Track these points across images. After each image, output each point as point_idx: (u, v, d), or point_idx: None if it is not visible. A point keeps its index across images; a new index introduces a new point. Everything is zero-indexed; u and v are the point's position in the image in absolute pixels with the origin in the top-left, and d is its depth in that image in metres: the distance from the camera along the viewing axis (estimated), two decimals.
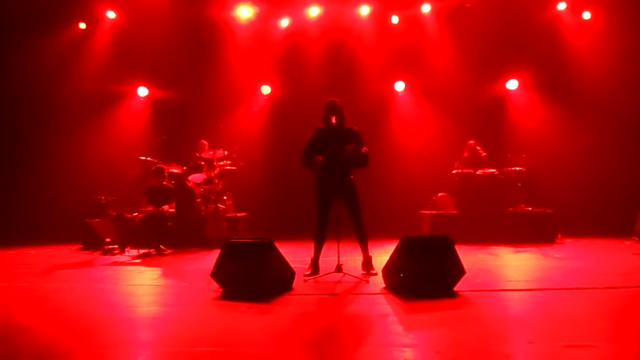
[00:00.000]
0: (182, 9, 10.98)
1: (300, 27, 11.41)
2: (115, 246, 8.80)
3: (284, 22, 11.44)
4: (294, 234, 9.74)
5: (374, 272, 6.20)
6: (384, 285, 5.61)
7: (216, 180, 9.82)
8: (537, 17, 10.71)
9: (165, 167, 8.93)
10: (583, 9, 10.64)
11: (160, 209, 8.48)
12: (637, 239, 8.86)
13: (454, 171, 9.81)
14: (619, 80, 9.91)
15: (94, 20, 11.40)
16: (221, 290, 5.33)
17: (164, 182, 8.83)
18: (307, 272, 6.14)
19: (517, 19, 10.55)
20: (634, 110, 9.83)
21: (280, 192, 11.13)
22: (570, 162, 10.17)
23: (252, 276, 5.13)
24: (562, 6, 10.70)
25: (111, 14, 11.37)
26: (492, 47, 10.58)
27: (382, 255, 5.85)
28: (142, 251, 8.45)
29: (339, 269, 6.03)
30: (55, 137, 10.97)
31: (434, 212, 9.83)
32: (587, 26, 10.62)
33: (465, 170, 9.71)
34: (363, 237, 6.37)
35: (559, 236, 9.30)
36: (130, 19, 11.31)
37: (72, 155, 10.87)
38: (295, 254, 7.16)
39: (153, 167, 8.84)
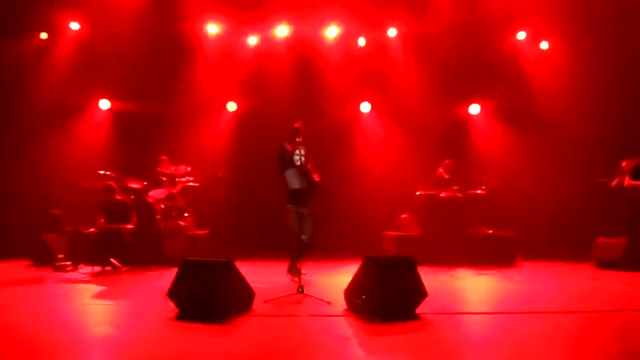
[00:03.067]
0: (148, 22, 10.80)
1: (268, 46, 11.40)
2: (68, 262, 8.44)
3: (252, 40, 11.41)
4: (256, 253, 9.61)
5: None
6: (345, 307, 5.52)
7: (178, 197, 9.60)
8: (499, 45, 11.01)
9: (114, 184, 8.63)
10: (541, 39, 10.99)
11: (117, 224, 8.19)
12: (594, 262, 9.07)
13: (418, 193, 9.87)
14: (577, 107, 10.22)
15: (56, 31, 11.09)
16: (177, 310, 5.14)
17: (120, 197, 8.54)
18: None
19: (480, 47, 10.81)
20: (591, 137, 10.14)
21: (243, 210, 10.97)
22: (530, 186, 10.38)
23: (210, 296, 4.96)
24: (521, 36, 11.03)
25: (75, 25, 11.09)
26: (456, 72, 10.79)
27: (344, 275, 5.77)
28: (96, 268, 8.13)
29: (300, 289, 5.93)
30: (10, 149, 10.54)
31: (397, 233, 9.84)
32: (545, 55, 10.97)
33: (429, 192, 9.79)
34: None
35: (519, 259, 9.43)
36: (94, 30, 11.05)
37: (28, 167, 10.44)
38: (256, 273, 7.01)
39: (103, 184, 8.55)
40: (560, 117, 10.30)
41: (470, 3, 10.55)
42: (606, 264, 8.78)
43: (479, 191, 9.80)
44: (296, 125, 6.81)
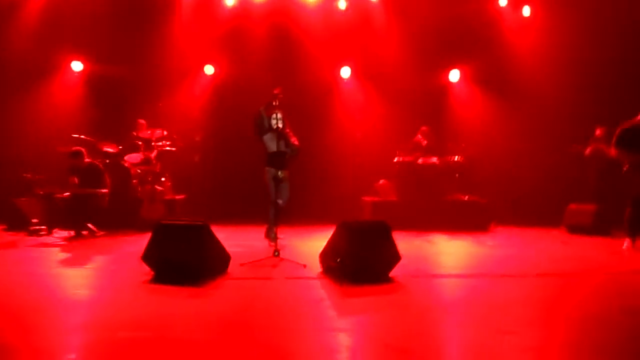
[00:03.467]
0: None
1: (246, 7, 11.13)
2: (43, 227, 8.34)
3: (230, 1, 11.13)
4: (234, 217, 9.61)
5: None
6: (320, 269, 5.59)
7: (154, 161, 9.48)
8: (480, 11, 10.91)
9: (82, 149, 8.44)
10: (523, 5, 10.92)
11: (91, 188, 8.07)
12: (565, 228, 9.29)
13: (396, 159, 9.92)
14: (556, 76, 10.25)
15: None
16: (152, 273, 5.15)
17: (90, 161, 8.38)
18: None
19: (461, 13, 10.69)
20: (569, 105, 10.22)
21: (221, 175, 10.91)
22: (506, 153, 10.49)
23: (184, 259, 4.97)
24: (503, 2, 10.95)
25: None
26: (437, 38, 10.70)
27: (321, 240, 5.82)
28: (71, 233, 8.05)
29: (276, 253, 5.98)
30: None
31: (374, 199, 9.92)
32: (527, 22, 10.93)
33: (407, 159, 9.84)
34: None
35: (493, 224, 9.61)
36: None
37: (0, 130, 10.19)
38: (233, 238, 7.04)
39: (71, 150, 8.37)
40: (538, 84, 10.35)
41: None
42: (577, 229, 9.01)
43: (456, 158, 9.88)
44: (275, 91, 6.73)
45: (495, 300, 4.64)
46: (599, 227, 8.77)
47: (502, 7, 11.03)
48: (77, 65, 10.98)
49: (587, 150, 9.45)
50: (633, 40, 10.11)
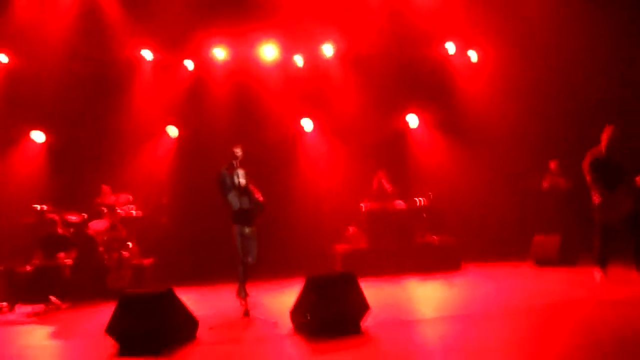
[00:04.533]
0: (79, 50, 10.60)
1: (206, 69, 11.38)
2: (4, 303, 8.05)
3: (189, 65, 11.37)
4: (205, 278, 9.48)
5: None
6: (292, 326, 5.53)
7: (119, 227, 9.35)
8: (430, 58, 11.40)
9: (57, 217, 8.37)
10: (469, 49, 11.44)
11: (55, 259, 7.90)
12: (532, 261, 9.44)
13: (362, 206, 10.03)
14: (508, 115, 10.68)
15: None
16: (117, 346, 5.01)
17: (59, 231, 8.27)
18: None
19: (412, 60, 11.17)
20: (523, 141, 10.62)
21: (189, 235, 10.79)
22: (469, 192, 10.71)
23: (150, 329, 4.86)
24: (450, 47, 11.44)
25: (3, 58, 10.72)
26: (392, 86, 11.08)
27: (292, 295, 5.78)
28: (34, 308, 7.78)
29: (246, 313, 5.91)
30: None
31: (345, 247, 9.95)
32: (475, 66, 11.44)
33: (374, 205, 9.96)
34: None
35: (464, 263, 9.70)
36: (24, 61, 10.71)
37: None
38: (204, 300, 6.95)
39: (45, 218, 8.26)
40: (491, 124, 10.75)
41: (399, 19, 10.89)
42: (544, 262, 9.16)
43: (421, 200, 10.05)
44: (234, 149, 6.85)
45: (472, 344, 4.63)
46: (565, 257, 8.94)
47: (449, 52, 11.50)
48: (38, 136, 10.92)
49: (544, 183, 9.75)
50: (578, 74, 10.61)
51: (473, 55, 11.41)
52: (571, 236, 9.10)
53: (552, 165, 9.73)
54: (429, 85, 11.20)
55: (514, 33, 10.82)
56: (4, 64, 10.76)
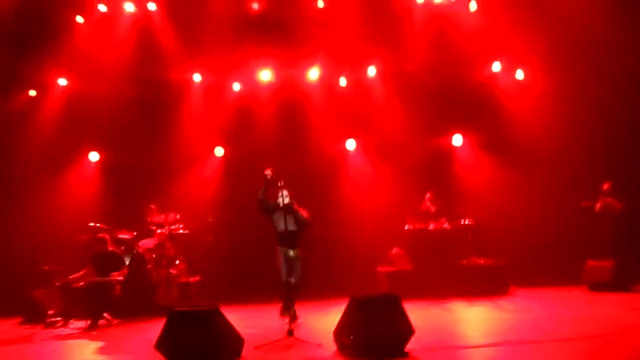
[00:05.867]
0: (133, 72, 11.08)
1: (252, 90, 11.65)
2: (59, 318, 8.38)
3: (236, 86, 11.68)
4: (249, 297, 9.57)
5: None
6: (335, 348, 5.52)
7: (168, 245, 9.61)
8: (476, 76, 11.28)
9: (107, 236, 8.67)
10: (516, 69, 11.26)
11: (108, 277, 8.17)
12: (585, 286, 9.10)
13: (406, 227, 9.95)
14: (558, 134, 10.41)
15: (45, 87, 11.31)
16: None
17: (111, 249, 8.57)
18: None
19: (458, 79, 11.08)
20: (572, 162, 10.30)
21: (235, 254, 10.95)
22: (517, 213, 10.40)
23: (198, 346, 4.96)
24: (496, 67, 11.30)
25: (62, 81, 11.33)
26: (436, 105, 11.01)
27: (336, 315, 5.76)
28: (87, 323, 8.05)
29: (290, 333, 5.93)
30: (0, 203, 10.60)
31: (389, 269, 9.86)
32: (522, 84, 11.23)
33: (417, 226, 9.87)
34: None
35: (512, 287, 9.43)
36: (81, 84, 11.28)
37: (17, 223, 10.45)
38: (248, 319, 7.02)
39: (96, 237, 8.60)
40: (540, 144, 10.49)
41: (444, 39, 10.89)
42: (597, 287, 8.82)
43: (466, 221, 9.89)
44: (265, 172, 7.01)
45: None
46: (620, 282, 8.59)
47: (495, 72, 11.36)
48: (93, 156, 11.41)
49: (597, 206, 9.43)
50: (629, 92, 10.28)
51: (520, 74, 11.22)
52: (626, 260, 8.75)
53: (605, 186, 9.41)
54: (475, 104, 11.06)
55: (563, 52, 10.60)
56: (63, 87, 11.36)
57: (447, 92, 11.00)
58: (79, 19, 11.10)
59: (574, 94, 10.37)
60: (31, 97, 11.33)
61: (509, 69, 11.27)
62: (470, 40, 10.87)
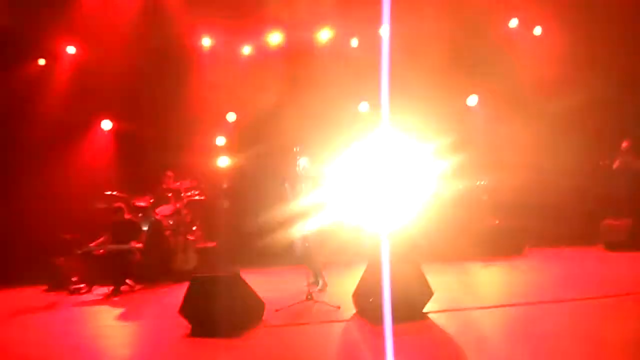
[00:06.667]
0: (143, 39, 10.94)
1: (262, 54, 11.50)
2: (82, 285, 8.59)
3: (247, 49, 11.54)
4: (265, 261, 9.69)
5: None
6: (355, 310, 5.60)
7: (184, 211, 9.71)
8: (493, 33, 11.00)
9: (124, 204, 8.77)
10: (534, 25, 10.96)
11: (126, 243, 8.30)
12: (602, 245, 9.08)
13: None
14: (575, 92, 10.18)
15: (54, 56, 11.26)
16: (190, 327, 5.25)
17: (128, 217, 8.68)
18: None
19: (473, 38, 10.82)
20: (591, 120, 10.10)
21: (250, 219, 11.02)
22: (533, 174, 10.32)
23: (220, 311, 5.06)
24: (513, 23, 11.01)
25: (71, 49, 11.25)
26: (453, 65, 10.79)
27: (354, 279, 5.82)
28: (109, 289, 8.25)
29: (310, 296, 6.03)
30: (16, 174, 10.72)
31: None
32: (540, 41, 10.95)
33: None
34: None
35: (527, 247, 9.45)
36: (91, 52, 11.19)
37: (35, 192, 10.58)
38: (267, 283, 7.12)
39: (113, 205, 8.70)
40: (559, 102, 10.27)
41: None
42: (614, 246, 8.80)
43: (482, 182, 9.83)
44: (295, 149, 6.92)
45: (539, 331, 4.52)
46: (636, 242, 8.55)
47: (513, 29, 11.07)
48: (106, 124, 11.43)
49: (615, 164, 9.31)
50: None
51: (538, 30, 10.93)
52: None
53: (624, 145, 9.26)
54: (492, 62, 10.79)
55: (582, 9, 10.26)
56: (73, 55, 11.29)
57: (463, 53, 10.72)
58: None
59: (594, 51, 10.07)
60: (41, 66, 11.30)
61: (527, 26, 10.96)
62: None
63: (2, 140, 10.79)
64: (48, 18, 10.54)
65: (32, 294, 8.60)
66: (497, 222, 9.70)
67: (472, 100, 11.24)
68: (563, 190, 10.14)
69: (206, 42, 11.40)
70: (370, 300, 5.22)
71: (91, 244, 8.38)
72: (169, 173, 10.24)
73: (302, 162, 6.94)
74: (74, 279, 8.71)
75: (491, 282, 7.34)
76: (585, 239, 9.28)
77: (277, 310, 5.76)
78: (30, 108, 10.95)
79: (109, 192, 9.55)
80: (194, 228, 9.81)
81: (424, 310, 5.27)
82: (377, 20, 10.94)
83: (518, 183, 10.19)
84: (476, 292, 6.77)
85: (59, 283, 8.79)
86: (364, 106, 11.45)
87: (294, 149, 6.87)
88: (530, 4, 10.66)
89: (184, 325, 5.28)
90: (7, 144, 10.80)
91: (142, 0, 10.90)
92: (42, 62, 11.30)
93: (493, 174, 9.98)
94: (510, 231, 9.52)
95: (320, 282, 6.98)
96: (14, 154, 10.78)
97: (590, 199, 9.85)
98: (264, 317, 5.54)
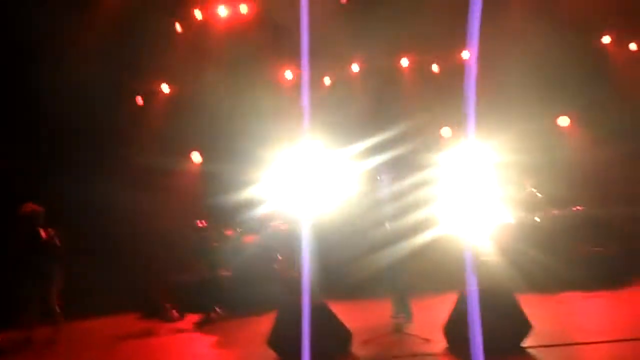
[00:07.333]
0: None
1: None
2: (175, 312, 8.87)
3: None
4: (351, 292, 9.53)
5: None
6: (446, 343, 5.36)
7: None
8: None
9: (211, 233, 9.06)
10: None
11: (216, 271, 8.53)
12: None
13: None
14: None
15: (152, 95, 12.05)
16: (278, 356, 5.25)
17: (217, 244, 8.96)
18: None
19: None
20: None
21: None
22: (634, 196, 9.50)
23: (307, 340, 5.01)
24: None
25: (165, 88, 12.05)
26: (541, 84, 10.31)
27: (444, 311, 5.57)
28: (201, 316, 8.46)
29: (398, 328, 5.86)
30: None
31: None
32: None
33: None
34: None
35: (634, 278, 8.63)
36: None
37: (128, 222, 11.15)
38: (353, 312, 7.01)
39: (200, 233, 9.02)
40: None
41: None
42: None
43: (578, 207, 9.23)
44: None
45: None
46: None
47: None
48: (196, 157, 12.00)
49: None
50: None
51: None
52: None
53: None
54: (585, 82, 10.18)
55: None
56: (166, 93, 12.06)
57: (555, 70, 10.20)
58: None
59: None
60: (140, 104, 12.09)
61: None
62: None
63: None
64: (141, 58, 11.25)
65: (126, 322, 8.97)
66: (599, 250, 8.97)
67: (563, 120, 10.65)
68: None
69: None
70: (463, 332, 4.97)
71: (183, 272, 8.71)
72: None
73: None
74: (167, 305, 9.03)
75: (594, 315, 6.76)
76: None
77: (365, 342, 5.63)
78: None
79: (198, 221, 9.91)
80: (279, 257, 9.91)
81: (523, 345, 4.93)
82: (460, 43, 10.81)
83: (620, 206, 9.43)
84: (578, 326, 6.26)
85: (153, 310, 9.14)
86: (446, 131, 11.16)
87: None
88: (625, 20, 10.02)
89: (272, 355, 5.29)
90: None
91: None
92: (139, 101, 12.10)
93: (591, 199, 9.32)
94: (614, 260, 8.76)
95: (407, 312, 6.74)
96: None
97: None
98: (351, 348, 5.43)
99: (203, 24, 11.58)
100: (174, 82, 11.90)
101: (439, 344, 5.37)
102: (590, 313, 6.90)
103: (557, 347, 5.07)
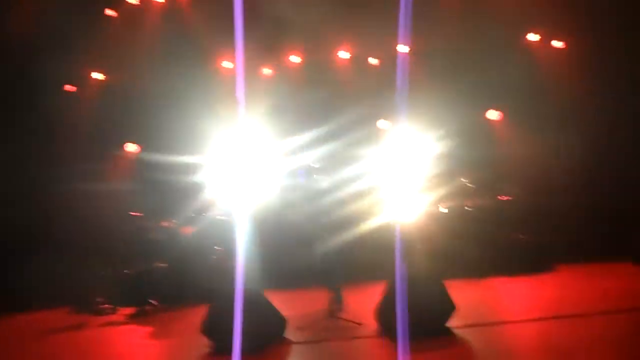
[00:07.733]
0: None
1: None
2: (107, 305, 8.62)
3: None
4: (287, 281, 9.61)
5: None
6: (376, 327, 5.53)
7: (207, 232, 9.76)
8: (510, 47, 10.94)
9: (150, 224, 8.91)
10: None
11: (150, 264, 8.38)
12: (631, 261, 8.77)
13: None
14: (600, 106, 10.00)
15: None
16: (213, 345, 5.25)
17: (152, 237, 8.80)
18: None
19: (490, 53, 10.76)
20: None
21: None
22: (559, 185, 10.09)
23: (242, 328, 5.05)
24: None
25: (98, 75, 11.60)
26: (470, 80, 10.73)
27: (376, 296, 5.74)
28: (134, 309, 8.28)
29: (332, 314, 5.99)
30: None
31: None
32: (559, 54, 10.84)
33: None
34: None
35: (554, 263, 9.18)
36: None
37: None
38: (290, 301, 7.08)
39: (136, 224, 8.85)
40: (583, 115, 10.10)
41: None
42: None
43: (503, 195, 9.70)
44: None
45: (565, 345, 4.40)
46: None
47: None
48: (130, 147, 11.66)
49: None
50: None
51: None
52: None
53: None
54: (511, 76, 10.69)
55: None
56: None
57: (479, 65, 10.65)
58: None
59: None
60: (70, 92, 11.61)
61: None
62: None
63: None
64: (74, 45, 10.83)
65: (56, 316, 8.65)
66: (522, 236, 9.48)
67: (492, 114, 11.14)
68: (593, 202, 9.85)
69: None
70: (392, 315, 5.15)
71: (115, 265, 8.49)
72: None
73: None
74: (99, 298, 8.78)
75: (516, 296, 7.17)
76: (615, 253, 8.96)
77: (299, 328, 5.72)
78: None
79: (133, 213, 9.68)
80: (215, 247, 9.84)
81: (447, 325, 5.18)
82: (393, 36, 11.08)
83: (544, 195, 9.97)
84: (499, 307, 6.63)
85: (84, 304, 8.85)
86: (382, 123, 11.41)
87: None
88: (550, 16, 10.57)
89: (207, 343, 5.28)
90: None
91: None
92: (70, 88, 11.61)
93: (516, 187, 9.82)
94: (536, 246, 9.27)
95: (340, 299, 6.89)
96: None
97: (621, 213, 9.52)
98: (285, 334, 5.51)
99: (138, 8, 11.27)
100: (107, 69, 11.51)
101: (371, 327, 5.54)
102: (513, 295, 7.29)
103: (481, 327, 5.34)
